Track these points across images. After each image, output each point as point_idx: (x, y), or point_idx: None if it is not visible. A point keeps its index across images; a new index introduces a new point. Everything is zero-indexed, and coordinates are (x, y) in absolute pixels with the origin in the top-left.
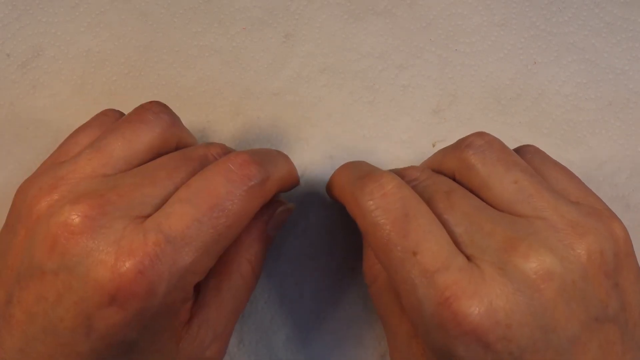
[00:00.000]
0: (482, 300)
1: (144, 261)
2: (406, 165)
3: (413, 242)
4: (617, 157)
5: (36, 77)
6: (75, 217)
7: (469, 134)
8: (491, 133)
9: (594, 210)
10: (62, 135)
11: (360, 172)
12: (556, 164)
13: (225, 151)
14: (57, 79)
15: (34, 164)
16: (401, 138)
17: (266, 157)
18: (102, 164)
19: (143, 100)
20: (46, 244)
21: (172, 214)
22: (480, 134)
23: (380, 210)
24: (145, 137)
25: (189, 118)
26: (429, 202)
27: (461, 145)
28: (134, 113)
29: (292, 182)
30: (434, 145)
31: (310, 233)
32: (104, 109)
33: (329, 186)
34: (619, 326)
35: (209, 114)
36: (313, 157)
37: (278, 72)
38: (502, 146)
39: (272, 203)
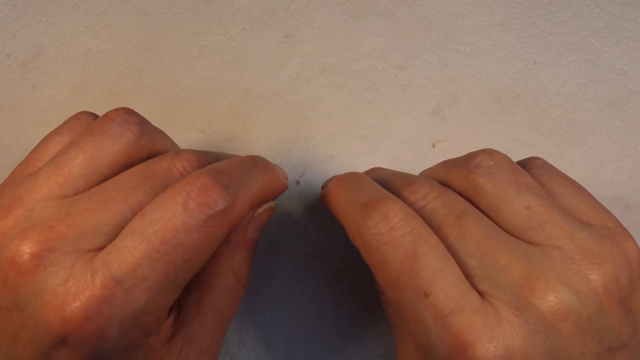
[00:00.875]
0: (497, 344)
1: (91, 306)
2: (406, 165)
3: (424, 282)
4: (617, 157)
5: (36, 77)
6: (22, 254)
7: (469, 135)
8: (491, 133)
9: (607, 231)
10: None
11: (362, 195)
12: (565, 178)
13: (194, 162)
14: (57, 79)
15: None
16: (401, 138)
17: (236, 173)
18: (60, 184)
19: (143, 100)
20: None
21: (122, 250)
22: (489, 153)
23: (387, 246)
24: (107, 152)
25: (189, 118)
26: (438, 229)
27: (469, 164)
28: (98, 123)
29: (275, 191)
30: (434, 146)
31: (310, 232)
32: (103, 108)
33: (325, 200)
34: (631, 350)
35: (209, 114)
36: (313, 157)
37: (278, 72)
38: (512, 166)
39: None
